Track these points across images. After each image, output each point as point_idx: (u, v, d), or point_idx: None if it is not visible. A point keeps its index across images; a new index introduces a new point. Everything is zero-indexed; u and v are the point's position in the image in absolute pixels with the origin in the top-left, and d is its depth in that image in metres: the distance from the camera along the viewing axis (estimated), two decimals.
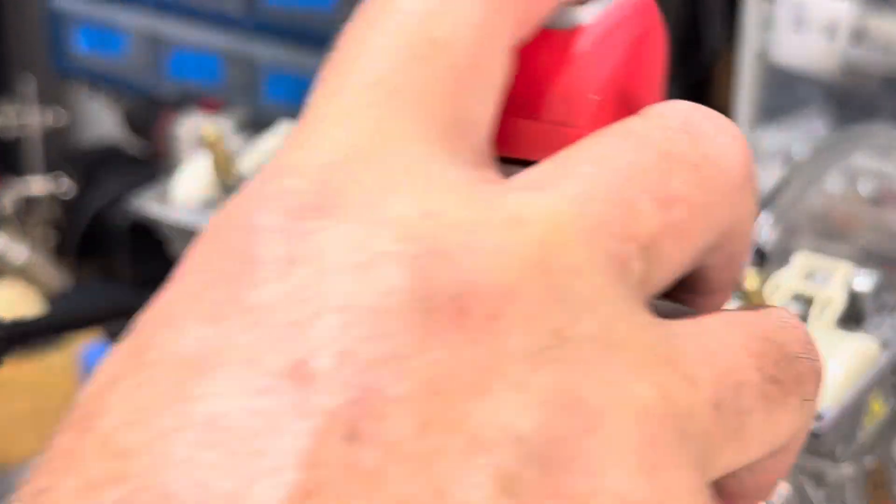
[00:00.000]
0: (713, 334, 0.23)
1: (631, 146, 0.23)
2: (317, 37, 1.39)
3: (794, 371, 0.23)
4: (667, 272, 0.23)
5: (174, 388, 0.20)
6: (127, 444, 0.19)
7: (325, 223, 0.20)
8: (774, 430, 0.23)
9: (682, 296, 0.24)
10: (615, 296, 0.21)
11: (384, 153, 0.21)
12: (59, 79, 1.75)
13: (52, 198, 1.56)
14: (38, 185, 1.56)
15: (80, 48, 1.69)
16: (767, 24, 1.41)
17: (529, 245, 0.21)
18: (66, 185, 1.56)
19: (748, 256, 0.26)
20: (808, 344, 0.24)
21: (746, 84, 1.47)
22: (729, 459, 0.22)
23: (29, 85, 1.65)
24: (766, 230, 0.62)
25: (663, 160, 0.23)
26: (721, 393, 0.22)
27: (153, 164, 1.44)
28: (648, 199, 0.22)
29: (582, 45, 0.24)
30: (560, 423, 0.19)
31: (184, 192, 0.97)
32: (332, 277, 0.20)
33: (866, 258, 1.22)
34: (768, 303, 0.53)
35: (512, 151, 0.24)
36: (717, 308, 0.24)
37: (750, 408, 0.22)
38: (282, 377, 0.19)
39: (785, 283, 0.57)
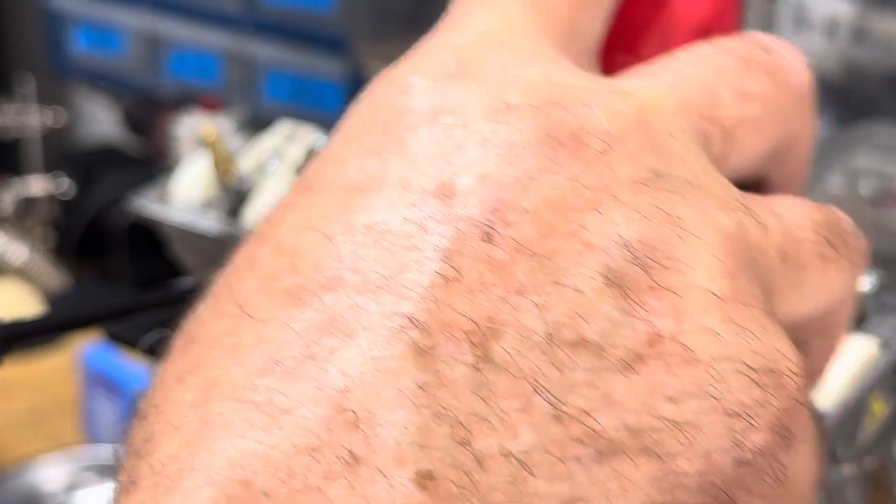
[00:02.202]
0: (780, 203, 0.27)
1: (716, 52, 0.27)
2: (316, 37, 1.39)
3: (845, 240, 0.27)
4: (740, 159, 0.27)
5: (339, 204, 0.24)
6: (298, 246, 0.24)
7: (465, 83, 0.25)
8: (828, 287, 0.27)
9: None
10: (701, 158, 0.25)
11: (513, 38, 0.26)
12: (59, 78, 1.75)
13: (52, 198, 1.56)
14: (37, 185, 1.56)
15: (79, 48, 1.69)
16: (768, 23, 1.41)
17: (633, 108, 0.25)
18: (65, 185, 1.56)
19: (806, 180, 0.30)
20: (855, 227, 0.28)
21: None
22: (790, 306, 0.26)
23: (28, 85, 1.65)
24: None
25: (743, 64, 0.27)
26: (786, 245, 0.26)
27: (152, 163, 1.44)
28: (730, 92, 0.27)
29: None
30: (659, 231, 0.24)
31: (183, 191, 0.96)
32: (471, 121, 0.24)
33: (867, 258, 1.22)
34: None
35: None
36: None
37: (808, 262, 0.26)
38: (430, 194, 0.24)
39: None
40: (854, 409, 0.52)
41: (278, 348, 0.23)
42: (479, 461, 0.21)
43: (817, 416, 0.26)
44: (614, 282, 0.23)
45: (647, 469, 0.22)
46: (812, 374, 0.28)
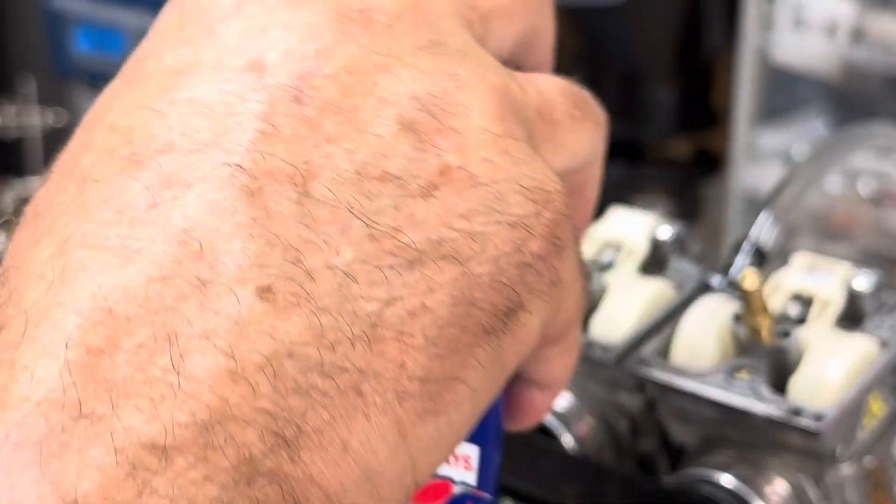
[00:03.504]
0: (533, 76, 0.32)
1: None
2: None
3: (589, 106, 0.32)
4: (494, 42, 0.32)
5: (162, 86, 0.28)
6: (129, 123, 0.28)
7: None
8: (578, 142, 0.32)
9: None
10: (467, 35, 0.30)
11: None
12: (60, 79, 1.75)
13: None
14: (38, 185, 1.56)
15: (80, 48, 1.69)
16: (767, 24, 1.41)
17: None
18: None
19: (551, 67, 0.35)
20: (594, 99, 0.33)
21: (746, 84, 1.47)
22: (547, 157, 0.30)
23: (29, 85, 1.65)
24: (765, 230, 0.62)
25: None
26: (541, 105, 0.31)
27: None
28: None
29: None
30: (441, 85, 0.29)
31: None
32: (272, 10, 0.29)
33: (866, 258, 1.22)
34: (768, 303, 0.54)
35: None
36: None
37: (560, 120, 0.31)
38: (243, 70, 0.28)
39: (784, 282, 0.57)
40: (853, 409, 0.52)
41: (124, 203, 0.26)
42: (310, 274, 0.26)
43: (582, 262, 0.32)
44: (408, 127, 0.28)
45: (448, 272, 0.27)
46: (581, 200, 0.34)
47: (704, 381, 0.53)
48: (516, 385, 0.33)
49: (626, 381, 0.55)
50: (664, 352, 0.55)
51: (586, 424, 0.57)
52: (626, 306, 0.57)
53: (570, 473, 0.53)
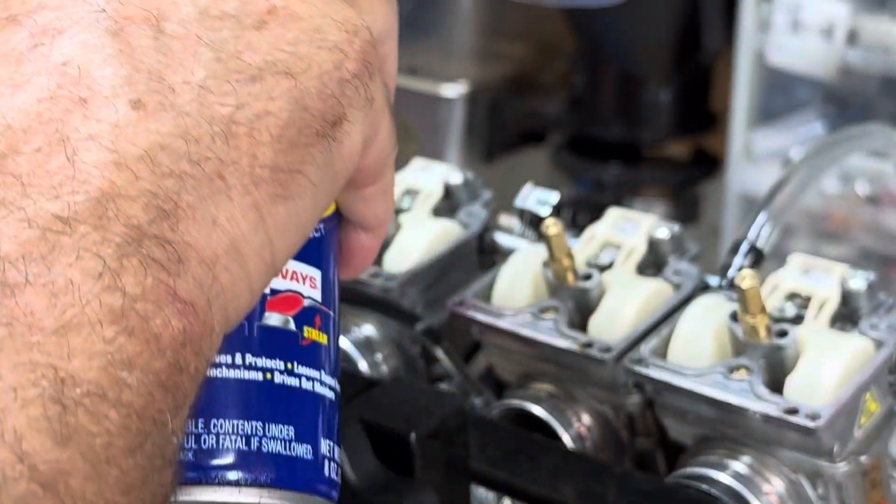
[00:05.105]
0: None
1: None
2: None
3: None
4: None
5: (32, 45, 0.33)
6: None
7: None
8: (374, 11, 0.38)
9: None
10: None
11: None
12: None
13: None
14: None
15: None
16: (764, 26, 1.41)
17: None
18: None
19: None
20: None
21: (744, 86, 1.47)
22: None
23: None
24: (763, 230, 0.62)
25: None
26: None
27: None
28: None
29: None
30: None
31: None
32: None
33: (863, 258, 1.22)
34: (765, 303, 0.54)
35: None
36: None
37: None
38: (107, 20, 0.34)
39: (781, 282, 0.58)
40: (849, 408, 0.53)
41: (8, 49, 0.33)
42: (172, 88, 0.32)
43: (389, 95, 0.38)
44: (214, 39, 0.34)
45: (284, 84, 0.34)
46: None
47: (702, 380, 0.53)
48: (346, 231, 0.40)
49: (625, 379, 0.55)
50: (662, 351, 0.56)
51: (585, 423, 0.57)
52: (624, 306, 0.57)
53: (569, 471, 0.53)
